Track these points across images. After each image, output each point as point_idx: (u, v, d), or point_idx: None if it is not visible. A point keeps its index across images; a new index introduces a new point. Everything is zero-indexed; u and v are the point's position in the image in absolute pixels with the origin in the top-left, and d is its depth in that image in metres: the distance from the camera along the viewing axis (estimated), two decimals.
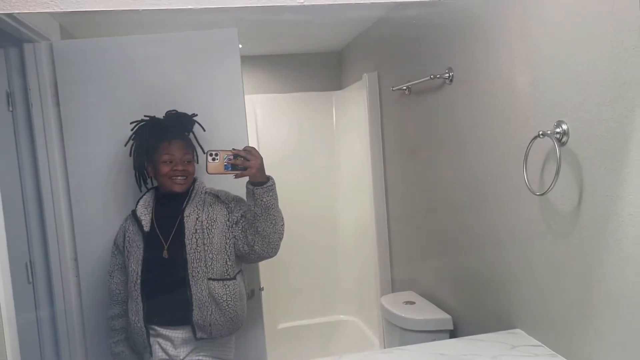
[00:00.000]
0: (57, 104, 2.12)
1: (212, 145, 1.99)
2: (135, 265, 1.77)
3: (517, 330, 1.61)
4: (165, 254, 1.77)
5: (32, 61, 2.09)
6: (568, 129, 1.30)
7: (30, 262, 2.16)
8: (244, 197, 1.81)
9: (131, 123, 1.91)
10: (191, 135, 1.94)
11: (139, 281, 1.77)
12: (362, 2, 1.40)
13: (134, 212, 1.83)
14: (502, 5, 1.57)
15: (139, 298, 1.76)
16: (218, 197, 1.86)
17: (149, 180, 1.91)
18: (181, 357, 1.80)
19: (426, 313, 2.14)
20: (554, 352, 1.43)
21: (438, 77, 1.98)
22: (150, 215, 1.82)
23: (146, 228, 1.79)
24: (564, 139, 1.31)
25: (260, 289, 2.25)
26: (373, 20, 2.83)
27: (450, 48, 1.95)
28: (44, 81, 2.10)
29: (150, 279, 1.77)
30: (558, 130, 1.32)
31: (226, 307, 1.77)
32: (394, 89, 2.45)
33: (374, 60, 2.95)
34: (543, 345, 1.48)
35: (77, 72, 2.12)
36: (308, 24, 2.81)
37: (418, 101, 2.30)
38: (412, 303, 2.27)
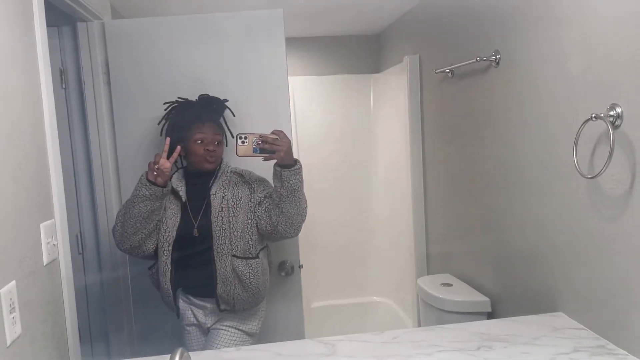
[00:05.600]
0: (108, 83, 2.19)
1: (254, 126, 2.04)
2: (171, 229, 1.86)
3: (560, 314, 1.61)
4: (195, 232, 1.86)
5: (85, 40, 2.16)
6: (622, 112, 1.29)
7: (80, 233, 2.26)
8: (269, 178, 1.87)
9: (165, 103, 1.99)
10: (221, 120, 2.01)
11: (170, 247, 1.85)
12: None
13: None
14: None
15: (168, 261, 1.86)
16: (242, 177, 1.93)
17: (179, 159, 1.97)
18: (208, 325, 1.95)
19: (464, 295, 2.16)
20: (598, 336, 1.43)
21: (484, 60, 1.97)
22: (184, 189, 1.91)
23: (184, 198, 1.89)
24: (617, 122, 1.30)
25: (300, 267, 2.31)
26: (415, 2, 2.81)
27: (498, 30, 1.93)
28: (96, 60, 2.17)
29: (179, 249, 1.87)
30: (612, 113, 1.31)
31: (249, 284, 1.86)
32: (437, 71, 2.44)
33: (415, 43, 2.94)
34: (587, 329, 1.49)
35: (127, 51, 2.18)
36: (351, 6, 2.81)
37: (461, 84, 2.29)
38: (449, 285, 2.29)
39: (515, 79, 1.82)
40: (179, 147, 1.80)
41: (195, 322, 1.95)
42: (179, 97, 2.00)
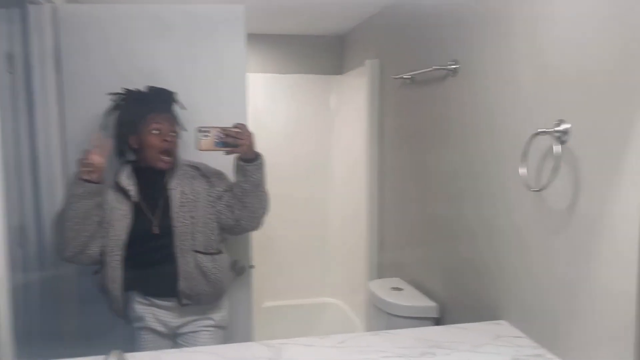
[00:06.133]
0: (59, 70, 2.10)
1: (209, 122, 1.99)
2: (120, 231, 1.78)
3: (502, 322, 1.65)
4: (155, 228, 1.79)
5: (36, 23, 2.07)
6: (569, 128, 1.33)
7: (22, 226, 2.16)
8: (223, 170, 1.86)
9: (110, 94, 1.90)
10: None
11: (120, 251, 1.77)
12: None
13: (116, 183, 1.82)
14: (510, 3, 1.58)
15: (118, 266, 1.77)
16: (198, 169, 1.89)
17: (128, 153, 1.90)
18: (174, 325, 1.88)
19: (413, 300, 2.18)
20: (537, 344, 1.47)
21: (442, 68, 1.99)
22: (135, 187, 1.83)
23: (134, 198, 1.81)
24: (564, 138, 1.34)
25: (251, 267, 2.28)
26: (379, 7, 2.83)
27: (457, 40, 1.96)
28: (46, 45, 2.08)
29: (135, 250, 1.79)
30: (559, 129, 1.34)
31: (214, 279, 1.83)
32: (395, 77, 2.46)
33: (377, 47, 2.95)
34: (526, 337, 1.53)
35: (80, 38, 2.10)
36: (315, 6, 2.80)
37: (420, 91, 2.32)
38: (400, 289, 2.31)
39: (471, 89, 1.85)
40: (109, 140, 1.72)
41: (156, 326, 1.87)
42: (123, 88, 1.91)
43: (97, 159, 1.68)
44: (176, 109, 1.95)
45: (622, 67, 1.18)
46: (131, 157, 1.89)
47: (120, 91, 1.91)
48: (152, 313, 1.87)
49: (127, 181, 1.82)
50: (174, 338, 1.92)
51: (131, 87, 1.93)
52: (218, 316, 1.93)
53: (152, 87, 1.92)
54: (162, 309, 1.87)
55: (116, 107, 1.89)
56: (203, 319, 1.90)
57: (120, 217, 1.79)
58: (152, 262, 1.83)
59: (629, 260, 1.17)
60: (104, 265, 1.79)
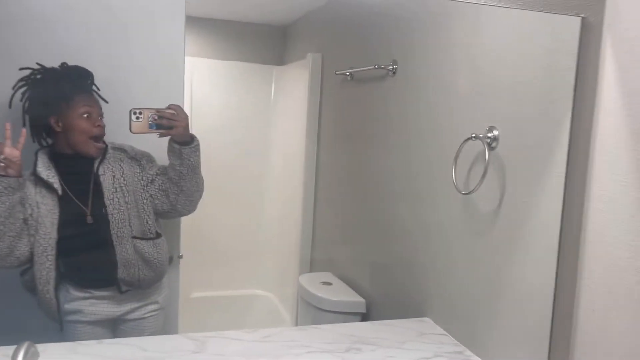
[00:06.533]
0: None
1: (144, 104, 1.91)
2: (50, 228, 1.65)
3: (426, 319, 1.69)
4: (89, 219, 1.69)
5: None
6: (499, 135, 1.37)
7: None
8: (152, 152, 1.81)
9: (22, 69, 1.70)
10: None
11: (53, 251, 1.65)
12: None
13: (35, 175, 1.66)
14: (450, 13, 1.62)
15: (52, 267, 1.66)
16: (125, 152, 1.79)
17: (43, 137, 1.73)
18: (117, 315, 1.80)
19: (341, 295, 2.21)
20: (457, 342, 1.52)
21: (382, 68, 2.01)
22: (57, 177, 1.68)
23: (59, 191, 1.67)
24: (494, 144, 1.38)
25: (180, 257, 2.22)
26: (324, 0, 2.82)
27: (398, 41, 1.98)
28: None
29: (68, 243, 1.68)
30: (489, 135, 1.39)
31: (157, 263, 1.78)
32: (337, 73, 2.46)
33: (319, 41, 2.94)
34: (448, 335, 1.57)
35: (4, 11, 1.95)
36: None
37: (359, 89, 2.33)
38: (329, 284, 2.33)
39: (409, 90, 1.88)
40: (24, 130, 1.57)
41: (95, 317, 1.77)
42: (37, 64, 1.72)
43: (12, 151, 1.53)
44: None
45: (548, 81, 1.23)
46: (44, 142, 1.73)
47: (34, 67, 1.72)
48: (91, 305, 1.77)
49: (47, 172, 1.66)
50: (115, 327, 1.84)
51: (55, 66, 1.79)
52: (162, 297, 1.89)
53: (67, 64, 1.75)
54: (102, 299, 1.78)
55: (31, 83, 1.71)
56: (149, 303, 1.84)
57: (46, 212, 1.65)
58: (88, 253, 1.73)
59: (548, 264, 1.23)
60: (34, 265, 1.65)
